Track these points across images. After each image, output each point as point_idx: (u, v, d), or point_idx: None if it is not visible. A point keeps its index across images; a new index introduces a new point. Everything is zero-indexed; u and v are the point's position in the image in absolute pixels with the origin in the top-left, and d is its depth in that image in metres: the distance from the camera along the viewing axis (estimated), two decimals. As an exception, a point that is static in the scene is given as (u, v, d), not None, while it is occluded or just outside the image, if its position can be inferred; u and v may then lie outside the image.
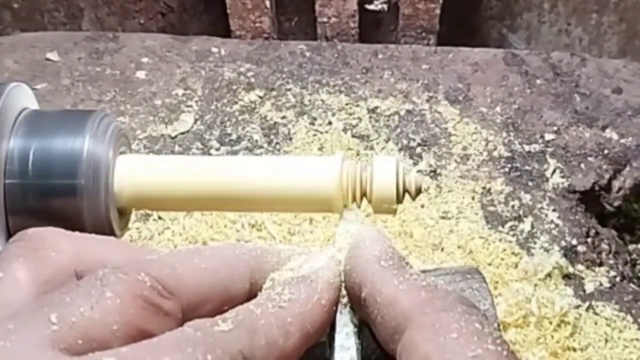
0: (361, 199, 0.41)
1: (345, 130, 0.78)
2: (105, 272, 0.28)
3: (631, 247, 0.76)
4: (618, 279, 0.67)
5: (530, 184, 0.73)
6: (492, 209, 0.71)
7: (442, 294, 0.30)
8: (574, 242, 0.68)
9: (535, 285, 0.65)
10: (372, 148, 0.76)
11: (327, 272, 0.33)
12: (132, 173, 0.39)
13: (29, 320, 0.25)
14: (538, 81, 0.85)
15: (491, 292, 0.36)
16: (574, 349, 0.61)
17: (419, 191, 0.41)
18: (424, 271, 0.36)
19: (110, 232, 0.39)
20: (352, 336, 0.33)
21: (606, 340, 0.62)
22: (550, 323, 0.62)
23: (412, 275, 0.32)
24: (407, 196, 0.42)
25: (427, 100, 0.82)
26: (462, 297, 0.31)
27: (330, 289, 0.32)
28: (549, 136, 0.78)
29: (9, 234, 0.38)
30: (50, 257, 0.30)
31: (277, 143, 0.77)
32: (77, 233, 0.32)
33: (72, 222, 0.36)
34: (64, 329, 0.25)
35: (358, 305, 0.33)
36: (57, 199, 0.37)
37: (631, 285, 0.67)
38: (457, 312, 0.29)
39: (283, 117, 0.80)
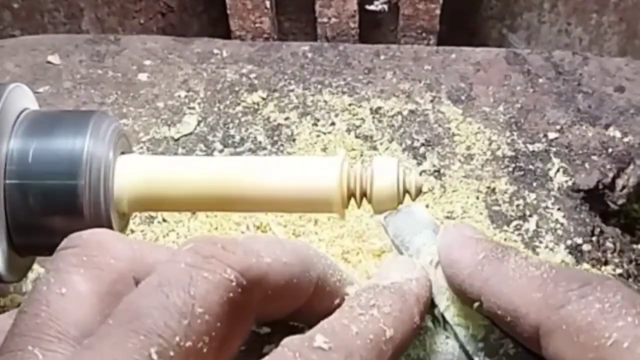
0: (361, 199, 0.41)
1: (348, 130, 0.78)
2: (193, 274, 0.26)
3: (632, 247, 0.76)
4: (624, 277, 0.66)
5: (534, 183, 0.73)
6: (496, 208, 0.70)
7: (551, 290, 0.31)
8: (579, 241, 0.68)
9: (540, 284, 0.64)
10: (375, 148, 0.76)
11: (418, 286, 0.32)
12: (132, 173, 0.39)
13: (128, 352, 0.24)
14: (540, 80, 0.85)
15: None
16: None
17: (419, 192, 0.41)
18: None
19: (111, 233, 0.39)
20: None
21: (612, 340, 0.62)
22: (556, 323, 0.62)
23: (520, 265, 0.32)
24: (407, 197, 0.42)
25: (430, 101, 0.82)
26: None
27: (421, 306, 0.32)
28: (552, 135, 0.78)
29: (9, 235, 0.38)
30: (109, 265, 0.29)
31: (280, 144, 0.77)
32: (130, 237, 0.31)
33: (72, 223, 0.36)
34: None
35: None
36: (57, 199, 0.37)
37: (638, 283, 0.67)
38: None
39: (286, 119, 0.80)
